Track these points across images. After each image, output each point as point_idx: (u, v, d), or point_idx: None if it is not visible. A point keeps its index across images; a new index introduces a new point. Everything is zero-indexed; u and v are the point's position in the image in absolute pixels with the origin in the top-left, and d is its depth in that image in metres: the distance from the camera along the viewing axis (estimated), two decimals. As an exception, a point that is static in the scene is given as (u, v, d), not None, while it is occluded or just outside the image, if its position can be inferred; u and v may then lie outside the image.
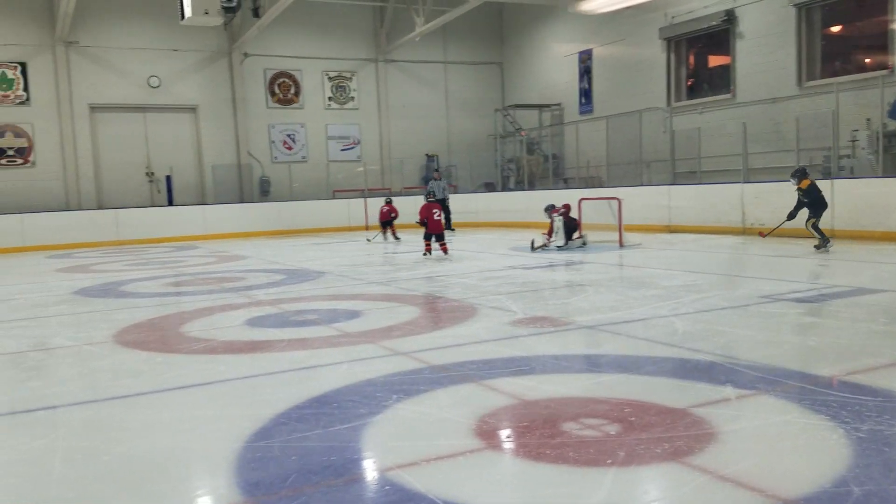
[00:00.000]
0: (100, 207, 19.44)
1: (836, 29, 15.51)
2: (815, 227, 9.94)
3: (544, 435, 3.23)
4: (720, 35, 16.98)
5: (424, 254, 11.59)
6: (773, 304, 6.31)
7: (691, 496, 2.62)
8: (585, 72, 20.88)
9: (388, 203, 16.04)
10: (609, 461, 2.91)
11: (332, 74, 22.41)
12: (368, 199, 20.58)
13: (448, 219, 18.37)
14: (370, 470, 3.00)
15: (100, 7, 19.28)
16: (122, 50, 19.71)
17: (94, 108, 19.68)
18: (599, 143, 18.72)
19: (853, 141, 13.26)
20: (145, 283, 9.78)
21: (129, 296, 8.65)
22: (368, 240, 15.96)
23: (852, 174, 12.84)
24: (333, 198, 21.54)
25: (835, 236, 11.66)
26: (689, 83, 18.33)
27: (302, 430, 3.42)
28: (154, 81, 20.13)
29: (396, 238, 15.75)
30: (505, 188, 21.68)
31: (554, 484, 2.77)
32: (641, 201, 15.07)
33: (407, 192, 21.42)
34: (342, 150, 22.69)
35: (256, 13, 18.21)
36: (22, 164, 18.94)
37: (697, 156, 15.51)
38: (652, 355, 4.66)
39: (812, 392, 3.71)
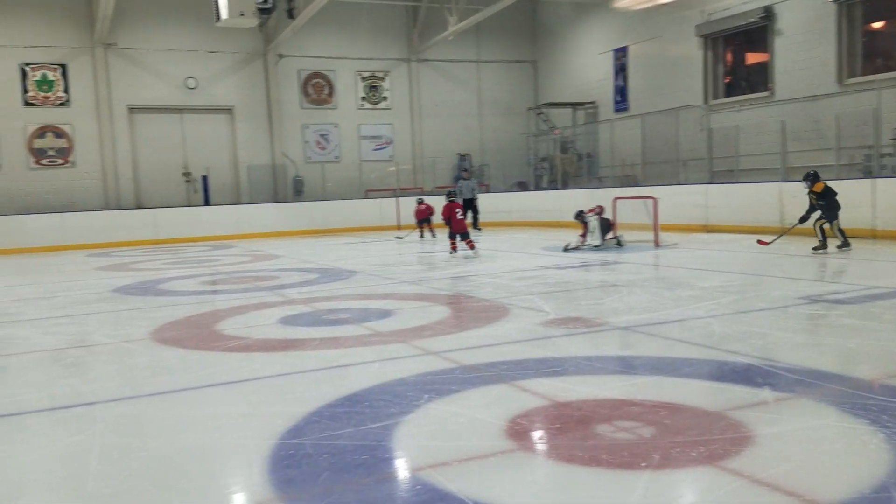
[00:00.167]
0: (138, 207, 19.79)
1: (877, 25, 15.14)
2: (840, 230, 9.82)
3: (577, 437, 3.20)
4: (758, 32, 16.69)
5: (451, 252, 11.78)
6: (812, 305, 6.19)
7: (727, 500, 2.57)
8: (621, 69, 20.68)
9: (423, 202, 16.26)
10: (643, 464, 2.87)
11: (364, 74, 22.52)
12: (400, 199, 20.66)
13: (476, 218, 18.41)
14: (401, 469, 3.00)
15: (138, 9, 19.61)
16: (160, 52, 20.02)
17: (132, 109, 20.03)
18: (635, 142, 18.53)
19: (895, 139, 12.94)
20: (182, 282, 9.92)
21: (167, 294, 8.79)
22: (399, 237, 16.07)
23: (894, 173, 12.54)
24: (366, 197, 21.64)
25: (876, 237, 11.40)
26: (727, 80, 18.05)
27: (334, 429, 3.44)
28: (191, 83, 20.43)
29: (434, 236, 15.92)
30: (538, 187, 21.57)
31: (586, 487, 2.74)
32: (678, 200, 14.87)
33: (439, 191, 21.33)
34: (374, 149, 22.79)
35: (291, 14, 18.37)
36: (62, 164, 19.35)
37: (735, 154, 15.27)
38: (688, 357, 4.60)
39: (852, 395, 3.62)
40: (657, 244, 11.85)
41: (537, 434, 3.36)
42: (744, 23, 16.70)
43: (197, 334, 6.09)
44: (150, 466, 3.13)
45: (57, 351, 5.73)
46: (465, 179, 19.02)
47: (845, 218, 9.94)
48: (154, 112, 20.32)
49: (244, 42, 20.74)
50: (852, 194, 11.11)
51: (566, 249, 11.71)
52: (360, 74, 22.47)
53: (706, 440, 3.09)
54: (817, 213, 9.90)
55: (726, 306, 6.25)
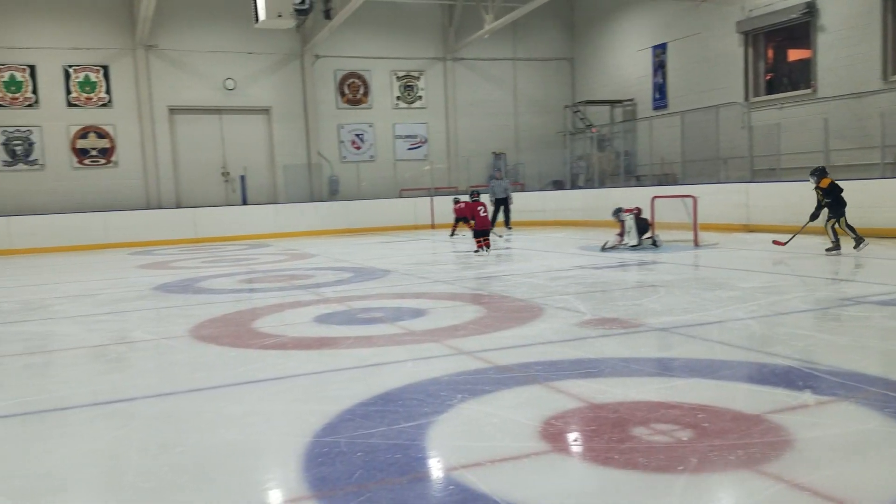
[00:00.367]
0: (178, 206, 20.12)
1: (925, 19, 14.74)
2: (849, 226, 9.71)
3: (613, 439, 3.16)
4: (800, 28, 16.36)
5: (476, 251, 12.05)
6: (855, 306, 6.04)
7: (767, 507, 2.52)
8: (660, 66, 20.44)
9: (459, 201, 16.47)
10: (680, 468, 2.82)
11: (400, 74, 22.59)
12: (435, 198, 20.70)
13: (507, 218, 18.39)
14: (434, 469, 3.00)
15: (178, 11, 19.94)
16: (199, 53, 20.33)
17: (172, 110, 20.38)
18: (674, 140, 18.31)
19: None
20: (220, 280, 10.06)
21: (205, 292, 8.92)
22: (453, 234, 16.32)
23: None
24: (400, 197, 21.71)
25: (924, 236, 11.09)
26: (768, 78, 17.73)
27: (367, 427, 3.45)
28: (230, 84, 20.70)
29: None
30: (574, 186, 21.42)
31: (622, 490, 2.70)
32: (718, 199, 14.65)
33: (474, 190, 21.37)
34: (409, 148, 22.85)
35: (328, 15, 18.52)
36: (105, 164, 19.76)
37: (777, 152, 14.99)
38: (727, 359, 4.52)
39: (895, 400, 3.53)
40: (697, 244, 11.69)
41: (572, 436, 3.32)
42: (785, 19, 16.38)
43: (234, 332, 6.16)
44: (187, 462, 3.18)
45: (99, 347, 5.84)
46: (497, 179, 19.00)
47: (888, 218, 9.69)
48: (194, 113, 20.63)
49: (281, 43, 20.96)
50: (898, 193, 10.85)
51: (604, 249, 11.62)
52: (396, 74, 22.55)
53: (745, 443, 3.03)
54: (825, 212, 9.82)
55: (767, 307, 6.14)
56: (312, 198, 21.33)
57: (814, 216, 9.89)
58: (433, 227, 20.27)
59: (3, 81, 18.73)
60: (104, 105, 19.68)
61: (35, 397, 4.41)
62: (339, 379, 4.49)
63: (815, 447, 3.01)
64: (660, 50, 20.36)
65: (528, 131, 23.78)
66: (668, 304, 6.49)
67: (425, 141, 23.03)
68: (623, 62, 21.87)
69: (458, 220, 16.50)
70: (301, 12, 17.27)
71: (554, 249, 12.72)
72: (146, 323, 7.00)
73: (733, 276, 8.34)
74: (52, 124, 19.20)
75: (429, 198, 20.94)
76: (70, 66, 19.29)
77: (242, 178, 20.95)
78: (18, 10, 18.74)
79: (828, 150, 13.50)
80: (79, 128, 19.47)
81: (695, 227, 11.84)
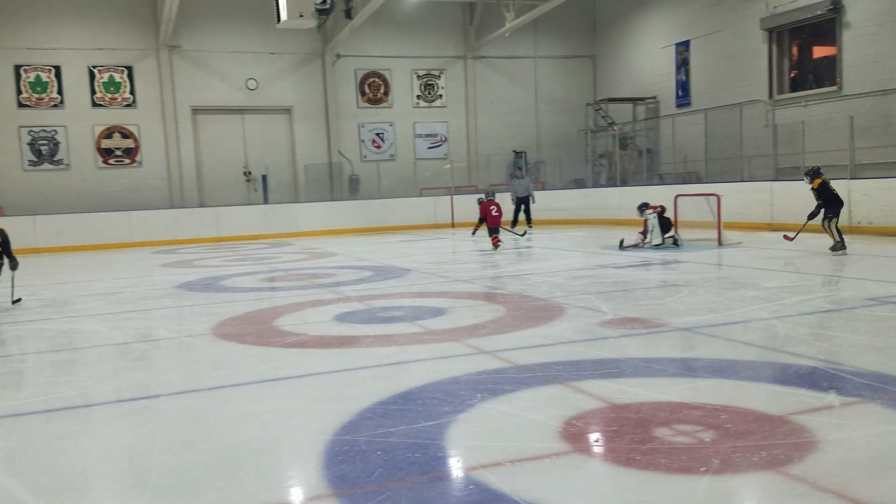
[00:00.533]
0: (201, 205, 20.29)
1: (955, 14, 14.48)
2: (836, 227, 9.78)
3: (634, 440, 3.14)
4: (825, 25, 16.14)
5: (494, 247, 12.44)
6: (881, 306, 5.95)
7: (791, 509, 2.49)
8: (683, 64, 20.27)
9: (483, 200, 16.41)
10: (702, 469, 2.80)
11: (420, 73, 22.61)
12: (455, 197, 20.69)
13: (528, 217, 18.38)
14: (454, 468, 3.00)
15: (201, 12, 20.10)
16: (222, 53, 20.48)
17: (195, 110, 20.55)
18: (697, 138, 18.14)
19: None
20: (242, 279, 10.13)
21: (228, 290, 8.99)
22: (474, 233, 16.38)
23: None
24: (420, 195, 21.73)
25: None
26: (792, 75, 17.51)
27: (387, 426, 3.45)
28: (252, 84, 20.84)
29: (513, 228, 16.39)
30: (596, 184, 21.30)
31: (643, 491, 2.69)
32: (741, 198, 14.50)
33: (494, 189, 21.36)
34: (429, 147, 22.87)
35: (349, 14, 18.57)
36: (129, 163, 19.98)
37: (801, 150, 14.81)
38: (750, 359, 4.48)
39: (926, 403, 3.47)
40: (720, 243, 11.59)
41: (593, 436, 3.31)
42: (810, 15, 16.17)
43: (256, 330, 6.20)
44: (210, 459, 3.20)
45: (123, 345, 5.91)
46: (518, 178, 18.97)
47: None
48: (216, 113, 20.80)
49: (303, 43, 21.06)
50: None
51: (622, 247, 11.56)
52: (416, 72, 22.57)
53: (768, 445, 3.00)
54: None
55: (791, 307, 6.07)
56: (333, 197, 21.42)
57: (812, 215, 9.99)
58: (453, 226, 20.27)
59: (29, 82, 19.00)
60: (128, 105, 19.90)
61: (60, 394, 4.47)
62: (359, 377, 4.50)
63: (840, 449, 2.97)
64: (683, 47, 20.19)
65: (549, 129, 23.69)
66: (690, 304, 6.44)
67: (445, 140, 23.03)
68: (646, 59, 21.72)
69: (481, 219, 16.56)
70: (322, 12, 17.33)
71: (575, 248, 12.67)
72: (169, 321, 7.07)
73: (757, 276, 8.25)
74: (78, 124, 19.45)
75: (449, 197, 20.94)
76: (95, 67, 19.52)
77: (264, 177, 21.08)
78: (44, 12, 19.00)
79: (853, 149, 13.31)
80: (103, 128, 19.70)
81: (718, 226, 11.73)
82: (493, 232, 12.67)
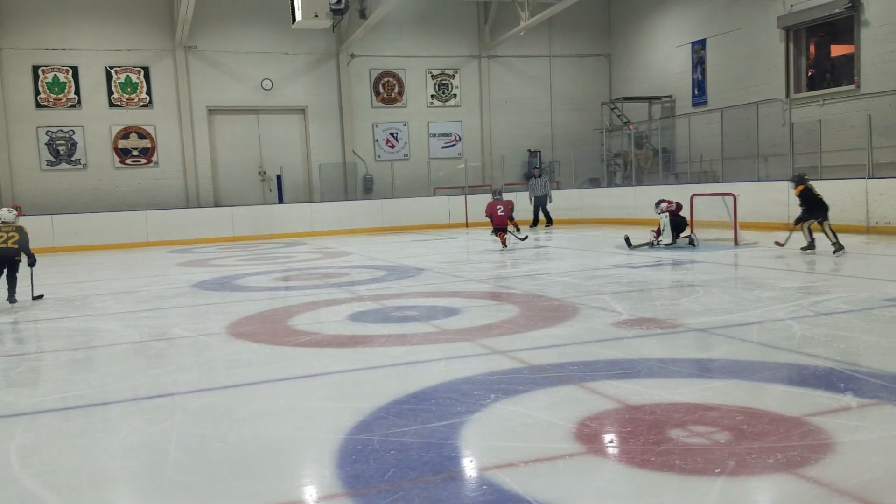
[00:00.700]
0: (217, 205, 20.41)
1: (975, 12, 14.29)
2: (808, 229, 10.01)
3: (649, 441, 3.13)
4: (843, 23, 15.99)
5: (503, 247, 12.72)
6: (901, 308, 5.88)
7: (807, 512, 2.47)
8: (699, 62, 20.14)
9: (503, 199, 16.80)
10: (717, 470, 2.78)
11: (435, 72, 22.61)
12: (469, 197, 20.68)
13: (547, 216, 18.43)
14: (467, 468, 3.00)
15: (216, 13, 20.21)
16: (237, 54, 20.58)
17: (211, 111, 20.66)
18: (713, 137, 18.03)
19: None
20: (257, 278, 10.18)
21: (242, 289, 9.03)
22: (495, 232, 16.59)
23: None
24: (434, 195, 21.75)
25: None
26: (810, 74, 17.36)
27: (400, 426, 3.46)
28: (267, 84, 20.93)
29: (518, 229, 16.39)
30: (611, 184, 21.22)
31: (658, 492, 2.67)
32: (758, 197, 14.39)
33: (508, 188, 21.34)
34: (443, 147, 22.86)
35: (363, 14, 18.61)
36: (146, 163, 20.12)
37: (818, 150, 14.68)
38: (766, 360, 4.44)
39: (945, 405, 3.43)
40: (736, 243, 11.51)
41: (607, 437, 3.29)
42: (828, 13, 16.02)
43: (270, 329, 6.23)
44: (224, 456, 3.22)
45: (139, 344, 5.96)
46: (536, 177, 18.98)
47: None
48: (232, 113, 20.91)
49: (317, 43, 21.12)
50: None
51: (631, 246, 11.53)
52: (430, 72, 22.58)
53: (784, 447, 2.98)
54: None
55: (808, 308, 6.02)
56: (347, 196, 21.48)
57: (799, 220, 10.14)
58: (467, 225, 20.26)
59: (47, 83, 19.18)
60: (145, 106, 20.04)
61: (78, 392, 4.52)
62: (373, 377, 4.51)
63: (857, 451, 2.94)
64: (699, 46, 20.07)
65: (564, 128, 23.62)
66: (706, 304, 6.40)
67: (459, 139, 23.02)
68: (661, 58, 21.61)
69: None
70: (337, 12, 17.36)
71: (590, 248, 12.63)
72: (185, 320, 7.11)
73: (773, 276, 8.19)
74: (95, 125, 19.61)
75: (463, 196, 20.94)
76: (112, 68, 19.68)
77: (279, 177, 21.17)
78: (61, 13, 19.17)
79: (871, 148, 13.18)
80: (120, 128, 19.85)
81: (735, 226, 11.65)
82: (501, 231, 12.85)
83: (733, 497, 2.60)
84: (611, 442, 3.23)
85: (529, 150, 23.32)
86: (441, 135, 22.80)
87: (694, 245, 11.42)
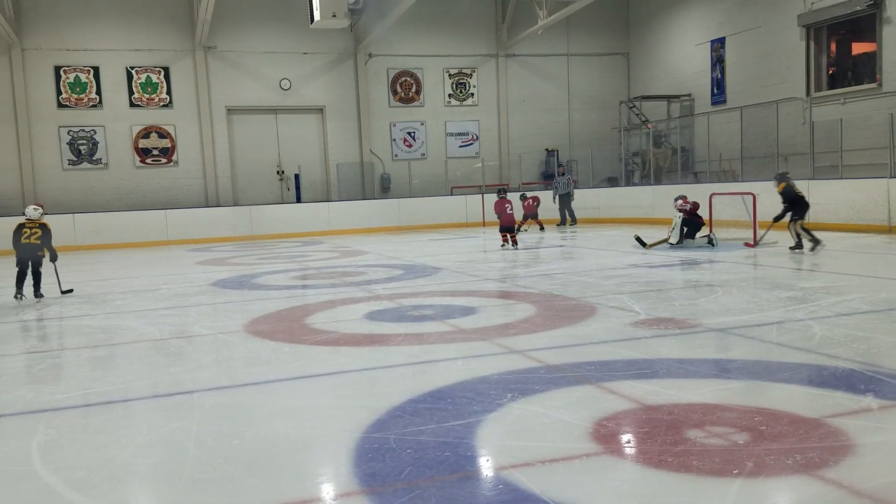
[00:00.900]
0: (235, 204, 20.55)
1: None
2: (804, 228, 10.12)
3: (666, 442, 3.11)
4: (865, 21, 15.79)
5: (502, 245, 12.80)
6: (923, 309, 5.81)
7: (826, 514, 2.45)
8: (718, 61, 19.99)
9: (526, 197, 17.29)
10: (735, 471, 2.77)
11: (452, 71, 22.61)
12: (486, 196, 20.66)
13: (572, 214, 18.47)
14: (483, 468, 3.00)
15: (236, 13, 20.33)
16: (256, 54, 20.70)
17: (230, 110, 20.80)
18: (733, 136, 17.88)
19: None
20: (275, 277, 10.24)
21: (261, 288, 9.09)
22: (519, 230, 16.67)
23: None
24: (451, 194, 21.75)
25: None
26: (830, 72, 17.17)
27: (417, 424, 3.47)
28: (285, 84, 21.03)
29: (542, 229, 16.97)
30: (629, 183, 21.12)
31: (675, 493, 2.66)
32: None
33: (525, 187, 21.32)
34: (460, 146, 22.86)
35: (381, 13, 18.64)
36: (166, 163, 20.29)
37: (839, 149, 14.52)
38: (786, 361, 4.41)
39: (968, 407, 3.39)
40: (756, 242, 11.40)
41: (624, 437, 3.28)
42: (849, 11, 15.84)
43: (288, 328, 6.27)
44: (242, 454, 3.25)
45: (159, 341, 6.01)
46: (560, 175, 19.00)
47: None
48: (250, 113, 21.03)
49: (335, 43, 21.20)
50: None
51: (647, 246, 11.48)
52: (448, 71, 22.58)
53: (803, 448, 2.95)
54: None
55: (828, 308, 5.96)
56: (365, 195, 21.54)
57: (777, 218, 10.29)
58: (484, 224, 20.25)
59: (69, 83, 19.40)
60: (165, 106, 20.21)
61: (99, 389, 4.57)
62: (389, 375, 4.53)
63: (877, 453, 2.91)
64: (718, 44, 19.92)
65: (582, 127, 23.54)
66: (725, 304, 6.36)
67: (477, 138, 23.00)
68: (680, 57, 21.47)
69: (525, 216, 17.04)
70: (355, 12, 17.42)
71: (608, 247, 12.57)
72: (204, 318, 7.17)
73: (793, 276, 8.12)
74: (116, 124, 19.81)
75: (480, 195, 20.93)
76: (132, 68, 19.86)
77: (297, 176, 21.26)
78: (83, 14, 19.38)
79: (893, 147, 13.01)
80: (141, 128, 20.03)
81: (754, 226, 11.55)
82: (510, 231, 12.86)
83: (751, 499, 2.58)
84: (628, 442, 3.22)
85: (547, 150, 23.26)
86: (458, 134, 22.80)
87: (713, 245, 11.34)
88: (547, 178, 22.67)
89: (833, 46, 17.17)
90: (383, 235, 18.76)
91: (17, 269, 8.71)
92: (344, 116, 21.64)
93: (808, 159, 15.19)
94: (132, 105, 19.92)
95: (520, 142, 23.11)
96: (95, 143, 19.66)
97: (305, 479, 2.99)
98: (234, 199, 20.79)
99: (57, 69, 19.28)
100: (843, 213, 13.43)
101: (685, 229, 11.60)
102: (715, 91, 20.17)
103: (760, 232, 10.81)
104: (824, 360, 4.35)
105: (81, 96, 19.50)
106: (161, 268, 12.59)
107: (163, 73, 20.08)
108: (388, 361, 4.88)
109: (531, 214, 17.10)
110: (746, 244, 10.78)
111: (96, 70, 19.57)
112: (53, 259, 8.75)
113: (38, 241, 8.62)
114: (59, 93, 19.32)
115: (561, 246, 13.43)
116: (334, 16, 15.11)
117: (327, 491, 2.90)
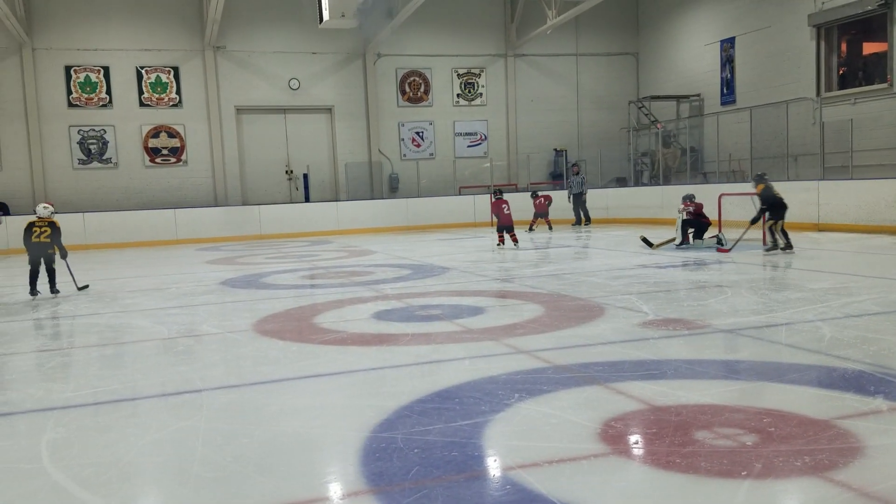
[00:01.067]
0: (244, 204, 20.61)
1: None
2: (782, 230, 10.15)
3: (674, 443, 3.10)
4: (876, 20, 15.70)
5: (498, 244, 12.97)
6: (934, 310, 5.77)
7: (835, 516, 2.44)
8: (728, 61, 19.92)
9: (538, 195, 17.48)
10: (744, 473, 2.76)
11: (461, 71, 22.61)
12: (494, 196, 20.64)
13: (586, 214, 18.47)
14: (491, 468, 3.00)
15: (245, 13, 20.39)
16: (265, 54, 20.76)
17: (239, 110, 20.86)
18: (742, 136, 17.81)
19: None
20: (283, 276, 10.26)
21: (269, 287, 9.11)
22: (531, 229, 16.68)
23: None
24: (459, 194, 21.76)
25: None
26: (841, 72, 17.08)
27: (424, 424, 3.47)
28: (294, 84, 21.08)
29: (550, 229, 17.06)
30: (638, 183, 21.07)
31: (683, 494, 2.65)
32: (787, 198, 14.09)
33: (533, 187, 21.30)
34: (469, 146, 22.86)
35: (390, 13, 18.66)
36: (175, 162, 20.37)
37: (849, 149, 14.44)
38: (795, 362, 4.39)
39: (980, 410, 3.36)
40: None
41: (632, 438, 3.27)
42: (860, 11, 15.75)
43: (296, 327, 6.28)
44: (251, 453, 3.25)
45: (168, 340, 6.04)
46: (574, 174, 19.01)
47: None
48: (259, 112, 21.10)
49: (344, 42, 21.23)
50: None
51: (653, 246, 11.46)
52: (457, 71, 22.58)
53: (812, 450, 2.94)
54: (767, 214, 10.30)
55: (837, 309, 5.93)
56: (373, 195, 21.57)
57: (753, 220, 10.32)
58: (493, 224, 20.21)
59: (79, 82, 19.50)
60: (174, 105, 20.29)
61: (108, 387, 4.59)
62: (397, 375, 4.53)
63: (887, 455, 2.90)
64: (728, 44, 19.85)
65: (591, 127, 23.50)
66: (734, 305, 6.34)
67: (485, 138, 23.00)
68: (690, 56, 21.40)
69: (536, 215, 17.18)
70: (364, 12, 17.42)
71: (616, 248, 12.55)
72: (213, 317, 7.19)
73: (802, 277, 8.08)
74: (125, 124, 19.90)
75: (488, 195, 20.91)
76: (142, 68, 19.95)
77: (305, 176, 21.32)
78: (93, 14, 19.48)
79: (905, 147, 12.95)
80: (150, 127, 20.12)
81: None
82: (509, 230, 12.88)
83: (760, 500, 2.57)
84: (636, 443, 3.21)
85: (556, 150, 23.24)
86: (467, 134, 22.80)
87: (723, 244, 11.29)
88: (556, 178, 22.65)
89: (843, 46, 17.07)
90: (392, 235, 18.78)
91: (29, 268, 8.78)
92: (353, 116, 21.68)
93: (819, 160, 15.12)
94: (142, 105, 20.01)
95: (528, 142, 23.09)
96: (105, 143, 19.75)
97: (313, 479, 2.99)
98: (243, 199, 20.85)
99: (67, 69, 19.39)
100: (853, 214, 13.36)
101: (690, 230, 11.59)
102: (724, 91, 20.10)
103: (736, 235, 10.77)
104: (834, 362, 4.33)
105: (91, 96, 19.60)
106: (170, 267, 12.64)
107: (172, 72, 20.16)
108: (396, 361, 4.89)
109: (542, 213, 17.14)
110: (719, 249, 10.65)
111: (106, 70, 19.67)
112: (64, 256, 8.83)
113: (48, 240, 8.71)
114: (69, 92, 19.43)
115: (569, 246, 13.40)
116: (343, 16, 15.15)
117: (335, 490, 2.90)
